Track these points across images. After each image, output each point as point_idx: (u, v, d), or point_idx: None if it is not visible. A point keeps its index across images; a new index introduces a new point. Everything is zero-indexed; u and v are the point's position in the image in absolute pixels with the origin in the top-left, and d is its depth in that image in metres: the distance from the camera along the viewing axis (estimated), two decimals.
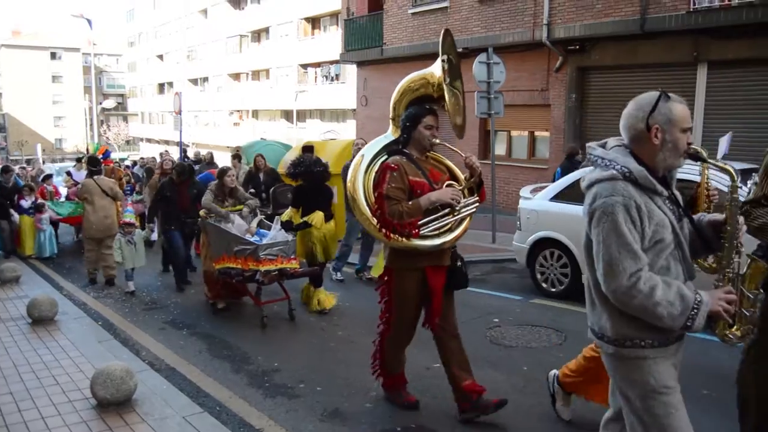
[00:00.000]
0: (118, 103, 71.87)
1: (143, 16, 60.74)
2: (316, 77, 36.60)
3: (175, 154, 22.39)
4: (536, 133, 16.08)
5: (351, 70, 27.54)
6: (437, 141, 4.35)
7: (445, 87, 4.35)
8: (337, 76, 34.30)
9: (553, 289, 7.82)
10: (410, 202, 4.05)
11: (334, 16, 33.10)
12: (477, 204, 4.39)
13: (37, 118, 68.95)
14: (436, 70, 4.42)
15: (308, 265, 7.48)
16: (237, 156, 12.99)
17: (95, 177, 9.46)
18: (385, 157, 4.39)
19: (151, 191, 10.50)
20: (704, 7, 11.71)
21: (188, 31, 50.99)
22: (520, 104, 15.32)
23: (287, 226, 7.25)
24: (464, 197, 4.33)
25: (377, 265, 8.85)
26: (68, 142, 69.81)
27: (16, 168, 15.81)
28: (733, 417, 4.48)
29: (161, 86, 58.39)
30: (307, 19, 36.80)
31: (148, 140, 59.46)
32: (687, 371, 5.35)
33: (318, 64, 35.80)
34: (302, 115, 38.12)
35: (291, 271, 6.90)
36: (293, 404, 4.81)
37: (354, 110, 23.91)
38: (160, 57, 58.06)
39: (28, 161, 34.66)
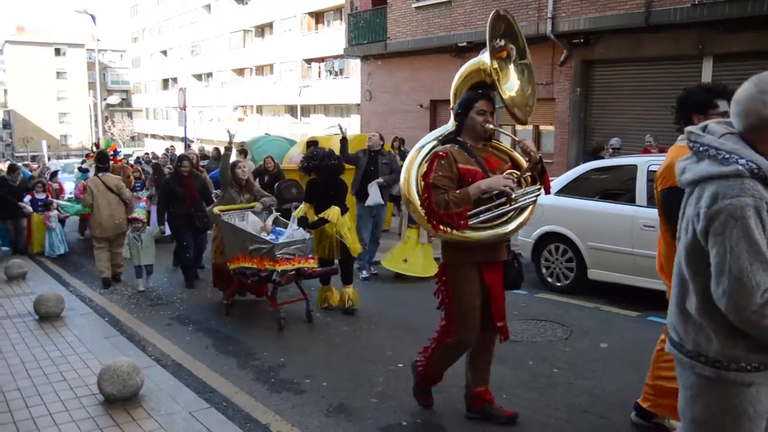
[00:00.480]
0: (123, 99, 71.99)
1: (147, 11, 60.82)
2: (320, 72, 36.61)
3: (179, 149, 22.41)
4: (541, 127, 16.04)
5: (355, 65, 27.52)
6: (491, 127, 4.01)
7: (497, 75, 4.04)
8: (341, 70, 34.30)
9: (559, 284, 7.82)
10: (458, 191, 3.74)
11: (337, 10, 33.09)
12: (538, 193, 4.06)
13: (42, 115, 69.12)
14: (485, 58, 4.10)
15: (322, 263, 7.07)
16: (243, 151, 12.81)
17: (101, 174, 9.02)
18: (436, 145, 4.15)
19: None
20: None
21: (192, 26, 51.05)
22: None
23: (302, 222, 7.01)
24: (526, 185, 4.01)
25: (390, 258, 8.88)
26: (73, 138, 69.99)
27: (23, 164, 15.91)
28: None
29: (165, 82, 58.49)
30: (311, 14, 36.80)
31: (153, 136, 59.61)
32: None
33: (322, 59, 35.81)
34: (306, 110, 38.12)
35: (309, 270, 6.60)
36: (299, 399, 4.83)
37: (358, 105, 23.89)
38: (164, 52, 58.15)
39: (33, 158, 34.78)
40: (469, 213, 3.73)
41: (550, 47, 14.61)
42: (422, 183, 3.87)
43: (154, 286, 8.61)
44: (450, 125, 4.28)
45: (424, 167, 3.93)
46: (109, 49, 75.26)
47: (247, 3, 43.94)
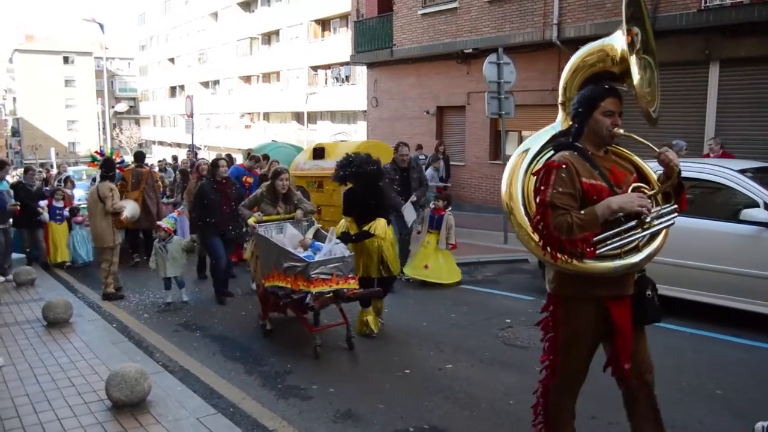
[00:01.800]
0: (131, 107, 72.34)
1: (154, 19, 61.15)
2: (326, 79, 36.68)
3: (181, 156, 22.50)
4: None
5: (361, 72, 27.59)
6: (621, 131, 3.30)
7: (632, 59, 3.27)
8: (347, 77, 34.35)
9: None
10: (583, 212, 3.00)
11: (343, 17, 33.18)
12: (675, 214, 3.28)
13: (51, 122, 69.55)
14: (616, 40, 3.29)
15: (362, 284, 6.24)
16: (266, 156, 12.08)
17: (99, 183, 8.66)
18: (551, 153, 3.35)
19: (189, 198, 9.68)
20: (715, 4, 11.63)
21: (199, 34, 51.28)
22: (530, 104, 15.27)
23: (345, 238, 6.26)
24: (657, 204, 3.26)
25: (410, 265, 8.81)
26: (81, 145, 70.31)
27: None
28: (745, 417, 4.46)
29: (173, 89, 58.75)
30: (317, 21, 36.92)
31: (161, 143, 59.83)
32: (701, 371, 5.37)
33: (328, 66, 35.88)
34: (313, 117, 38.20)
35: (348, 293, 5.86)
36: (306, 405, 4.83)
37: (364, 111, 23.93)
38: (172, 60, 58.42)
39: (42, 165, 34.93)
40: (595, 239, 3.02)
41: (555, 53, 14.60)
42: (536, 201, 3.13)
43: (162, 290, 8.56)
44: (557, 124, 3.61)
45: (533, 180, 3.24)
46: (116, 57, 75.68)
47: (253, 11, 44.14)
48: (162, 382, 5.09)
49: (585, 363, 3.40)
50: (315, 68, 37.16)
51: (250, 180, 10.21)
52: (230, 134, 46.19)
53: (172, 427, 4.31)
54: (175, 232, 8.53)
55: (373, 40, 20.35)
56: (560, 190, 3.03)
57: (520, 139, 16.61)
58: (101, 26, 34.56)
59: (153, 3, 60.40)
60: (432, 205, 8.88)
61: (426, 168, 13.57)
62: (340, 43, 31.72)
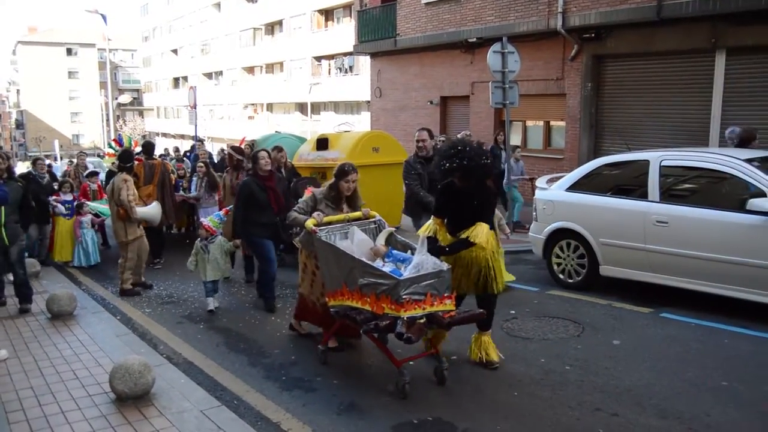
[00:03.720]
0: (134, 98, 72.46)
1: (157, 10, 61.04)
2: (329, 69, 36.61)
3: (183, 147, 22.40)
4: (552, 123, 15.95)
5: (365, 62, 27.49)
6: None
7: None
8: (350, 67, 34.27)
9: (570, 281, 7.77)
10: None
11: (347, 7, 33.07)
12: None
13: (54, 114, 69.64)
14: None
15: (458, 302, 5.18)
16: (278, 148, 11.07)
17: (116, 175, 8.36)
18: None
19: (227, 194, 8.82)
20: None
21: (202, 25, 51.20)
22: (535, 94, 15.20)
23: (437, 250, 5.03)
24: None
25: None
26: (85, 137, 70.42)
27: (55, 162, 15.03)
28: (752, 407, 4.44)
29: (176, 81, 58.71)
30: (321, 11, 36.80)
31: (164, 134, 59.84)
32: (706, 362, 5.34)
33: (332, 56, 35.80)
34: (316, 108, 38.15)
35: (446, 316, 4.64)
36: (310, 398, 4.82)
37: (368, 102, 23.86)
38: (175, 51, 58.35)
39: (47, 157, 34.95)
40: None
41: (560, 42, 14.50)
42: None
43: (165, 283, 8.58)
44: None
45: None
46: (120, 49, 75.59)
47: (256, 1, 43.99)
48: (166, 375, 5.09)
49: None
50: (318, 58, 37.08)
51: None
52: (233, 125, 46.16)
53: (176, 420, 4.30)
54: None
55: (376, 29, 20.26)
56: None
57: (525, 129, 16.56)
58: (104, 17, 34.53)
59: None
60: None
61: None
62: (344, 33, 31.60)
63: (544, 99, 15.48)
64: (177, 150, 21.47)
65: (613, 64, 14.07)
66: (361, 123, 29.86)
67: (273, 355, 5.79)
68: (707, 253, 6.39)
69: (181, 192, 10.93)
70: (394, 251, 5.20)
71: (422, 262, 4.72)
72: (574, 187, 7.82)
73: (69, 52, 72.32)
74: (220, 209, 8.34)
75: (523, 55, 12.17)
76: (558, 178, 8.56)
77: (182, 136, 49.33)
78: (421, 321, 4.52)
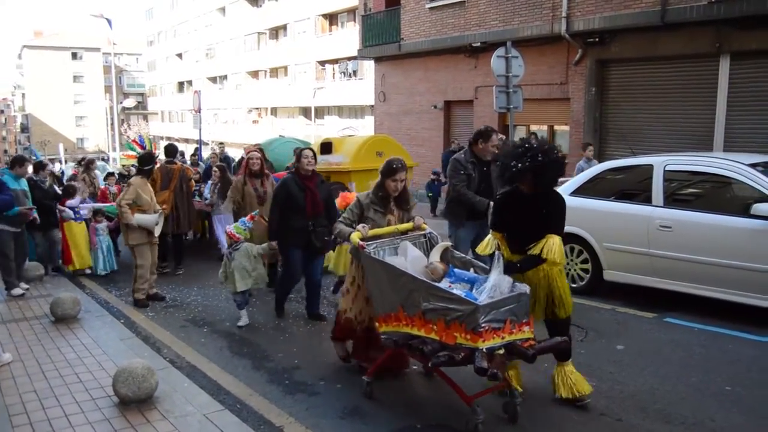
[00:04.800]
0: (139, 102, 72.64)
1: (162, 15, 61.25)
2: (333, 74, 36.68)
3: (188, 152, 22.33)
4: (556, 127, 15.94)
5: (369, 66, 27.53)
6: None
7: None
8: (354, 72, 34.33)
9: (574, 285, 7.73)
10: None
11: (351, 12, 33.15)
12: None
13: (59, 118, 69.94)
14: None
15: None
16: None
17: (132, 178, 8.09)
18: None
19: (234, 194, 8.13)
20: None
21: (207, 29, 51.36)
22: (539, 98, 15.21)
23: (508, 268, 4.33)
24: None
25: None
26: (90, 141, 70.68)
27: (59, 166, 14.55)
28: (756, 412, 4.43)
29: (181, 85, 58.89)
30: (325, 16, 36.90)
31: (168, 138, 59.93)
32: (710, 367, 5.32)
33: (336, 61, 35.88)
34: (320, 112, 38.21)
35: (524, 344, 4.02)
36: (313, 402, 4.82)
37: (372, 106, 23.88)
38: (179, 55, 58.54)
39: (51, 161, 35.03)
40: None
41: (564, 47, 14.51)
42: None
43: (169, 286, 8.46)
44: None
45: None
46: (124, 53, 75.87)
47: (261, 5, 44.14)
48: (169, 378, 5.09)
49: None
50: (322, 63, 37.17)
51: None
52: (238, 129, 46.25)
53: (179, 423, 4.30)
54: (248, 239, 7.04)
55: (380, 34, 20.30)
56: None
57: (529, 133, 16.56)
58: (109, 22, 34.59)
59: None
60: None
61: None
62: (348, 38, 31.68)
63: (548, 103, 15.49)
64: (182, 154, 21.44)
65: (617, 68, 14.07)
66: (365, 127, 29.89)
67: (276, 359, 5.78)
68: (711, 258, 6.38)
69: (196, 198, 10.46)
70: (456, 270, 4.55)
71: (498, 282, 4.09)
72: (578, 192, 7.81)
73: (74, 56, 72.65)
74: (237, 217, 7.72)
75: (527, 60, 12.20)
76: (562, 183, 8.55)
77: (186, 140, 49.42)
78: (501, 352, 3.93)
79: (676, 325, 6.39)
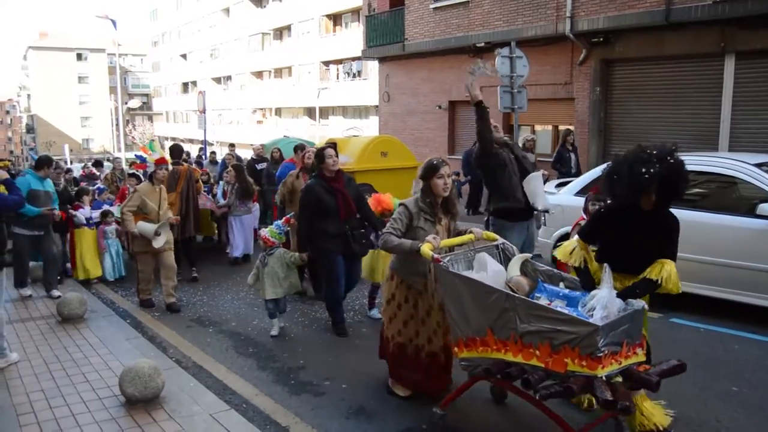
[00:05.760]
0: (143, 103, 72.76)
1: (167, 15, 61.38)
2: (338, 74, 36.70)
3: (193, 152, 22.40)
4: (560, 128, 15.90)
5: (373, 67, 27.55)
6: None
7: None
8: (359, 72, 34.35)
9: None
10: None
11: (355, 12, 33.17)
12: None
13: (65, 119, 70.19)
14: None
15: None
16: (301, 146, 10.19)
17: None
18: None
19: (283, 189, 7.94)
20: None
21: (211, 29, 51.44)
22: (543, 98, 15.20)
23: (626, 293, 3.77)
24: None
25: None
26: (95, 142, 70.91)
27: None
28: (762, 412, 4.42)
29: (185, 85, 59.00)
30: (329, 16, 36.92)
31: (173, 139, 60.06)
32: (715, 368, 5.31)
33: (340, 61, 35.90)
34: (325, 112, 38.23)
35: (638, 369, 3.55)
36: (319, 401, 4.83)
37: (376, 106, 23.90)
38: (184, 56, 58.64)
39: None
40: None
41: (569, 47, 14.50)
42: None
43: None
44: None
45: None
46: (129, 54, 76.12)
47: (265, 6, 44.19)
48: (175, 378, 5.11)
49: None
50: (327, 63, 37.20)
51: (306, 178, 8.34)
52: (242, 130, 46.31)
53: (185, 423, 4.32)
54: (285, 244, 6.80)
55: (384, 34, 20.31)
56: None
57: (533, 133, 16.54)
58: (114, 23, 34.63)
59: None
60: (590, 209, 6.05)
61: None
62: (352, 38, 31.69)
63: (552, 103, 15.48)
64: (188, 154, 21.41)
65: (621, 68, 14.05)
66: (369, 128, 29.91)
67: (282, 359, 5.80)
68: (716, 258, 6.37)
69: (210, 198, 10.24)
70: (547, 285, 4.05)
71: (609, 299, 3.57)
72: (584, 192, 7.80)
73: (79, 57, 72.90)
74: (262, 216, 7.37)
75: (531, 60, 12.19)
76: (567, 183, 8.55)
77: (191, 141, 49.53)
78: (619, 380, 3.43)
79: (682, 326, 6.38)
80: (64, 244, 9.11)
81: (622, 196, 3.98)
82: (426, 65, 19.12)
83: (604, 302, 3.53)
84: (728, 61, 11.95)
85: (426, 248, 4.15)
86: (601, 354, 3.30)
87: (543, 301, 3.83)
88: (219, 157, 17.27)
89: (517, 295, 3.75)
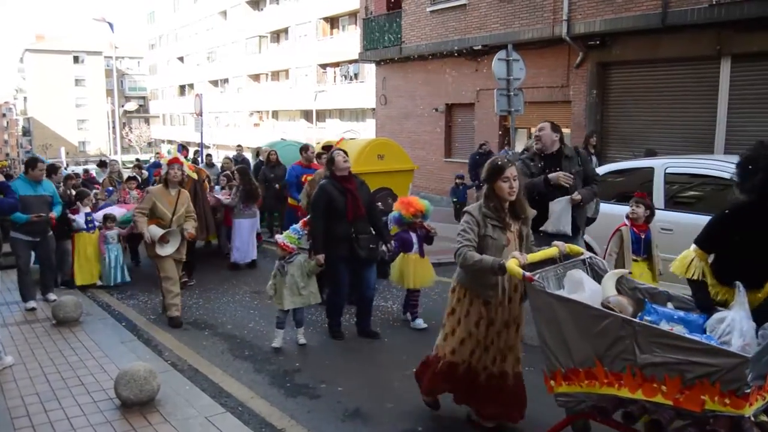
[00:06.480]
0: (140, 106, 72.73)
1: (164, 18, 61.37)
2: (335, 77, 36.72)
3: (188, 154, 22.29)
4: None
5: (370, 69, 27.57)
6: None
7: None
8: (356, 75, 34.38)
9: None
10: None
11: (352, 15, 33.17)
12: None
13: (61, 122, 70.02)
14: None
15: None
16: (306, 147, 10.41)
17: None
18: None
19: (309, 188, 7.72)
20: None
21: (208, 32, 51.45)
22: (540, 101, 15.21)
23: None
24: None
25: None
26: (91, 144, 70.78)
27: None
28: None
29: (182, 88, 58.99)
30: (326, 19, 36.95)
31: (170, 142, 60.03)
32: None
33: (337, 64, 35.92)
34: (322, 115, 38.25)
35: None
36: (315, 404, 4.82)
37: (373, 109, 23.91)
38: (181, 59, 58.62)
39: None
40: None
41: (565, 49, 14.52)
42: None
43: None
44: None
45: None
46: (126, 56, 75.97)
47: (262, 9, 44.22)
48: (171, 381, 5.09)
49: None
50: (324, 66, 37.21)
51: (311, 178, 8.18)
52: (239, 133, 46.28)
53: (181, 426, 4.31)
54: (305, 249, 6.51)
55: (381, 37, 20.33)
56: None
57: (530, 137, 16.55)
58: (111, 25, 34.72)
59: (162, 2, 60.57)
60: (631, 215, 5.90)
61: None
62: (349, 41, 31.71)
63: (549, 106, 15.48)
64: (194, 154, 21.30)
65: (618, 71, 14.08)
66: (366, 130, 29.91)
67: (278, 362, 5.79)
68: None
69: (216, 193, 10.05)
70: (657, 307, 3.48)
71: (742, 322, 3.05)
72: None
73: (76, 59, 72.73)
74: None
75: (528, 63, 12.20)
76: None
77: (188, 143, 49.50)
78: (763, 418, 2.98)
79: None
80: (61, 252, 8.60)
81: (755, 189, 3.40)
82: (423, 68, 19.14)
83: (741, 328, 2.99)
84: (724, 64, 11.98)
85: (513, 265, 3.61)
86: (748, 390, 2.78)
87: (664, 326, 3.22)
88: (215, 160, 17.25)
89: (637, 320, 3.17)
